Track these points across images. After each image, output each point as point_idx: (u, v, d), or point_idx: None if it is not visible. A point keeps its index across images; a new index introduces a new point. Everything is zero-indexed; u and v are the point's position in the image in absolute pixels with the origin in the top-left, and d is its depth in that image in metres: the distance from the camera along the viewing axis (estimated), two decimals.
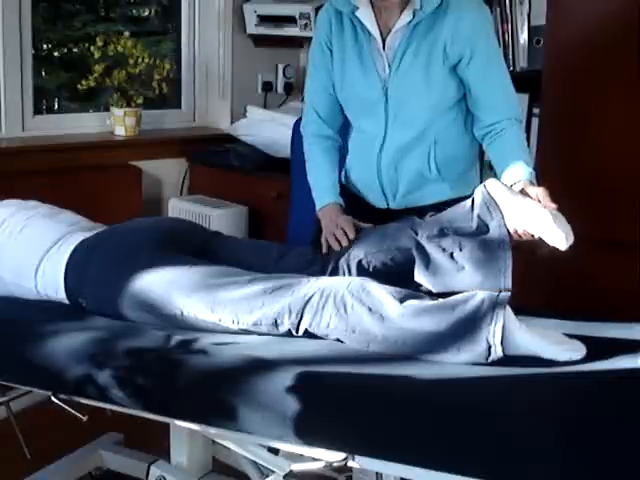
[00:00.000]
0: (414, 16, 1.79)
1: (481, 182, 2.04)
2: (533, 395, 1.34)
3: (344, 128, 2.05)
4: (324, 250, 1.83)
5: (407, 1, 1.81)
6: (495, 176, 1.79)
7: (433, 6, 1.78)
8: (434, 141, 1.89)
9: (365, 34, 1.86)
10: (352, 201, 2.05)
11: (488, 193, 1.64)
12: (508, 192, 1.63)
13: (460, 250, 1.61)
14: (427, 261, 1.63)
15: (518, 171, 1.76)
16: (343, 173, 2.09)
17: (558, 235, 1.55)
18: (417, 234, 1.67)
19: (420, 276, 1.62)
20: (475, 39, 1.80)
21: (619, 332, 1.61)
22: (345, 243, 1.81)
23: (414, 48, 1.82)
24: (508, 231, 1.60)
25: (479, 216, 1.63)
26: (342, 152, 2.08)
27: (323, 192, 1.99)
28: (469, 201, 1.66)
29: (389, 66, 1.85)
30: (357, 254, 1.72)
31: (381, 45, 1.85)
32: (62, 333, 1.57)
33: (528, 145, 2.74)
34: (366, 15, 1.85)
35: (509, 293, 1.52)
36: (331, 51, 1.93)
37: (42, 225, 1.84)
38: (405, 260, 1.67)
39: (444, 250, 1.63)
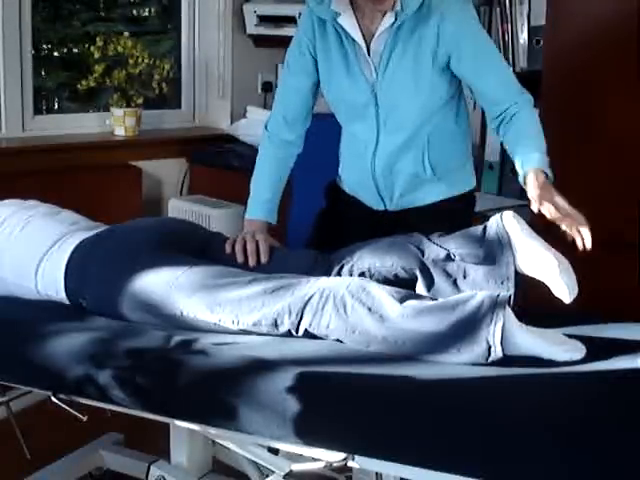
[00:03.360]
0: (396, 19, 1.77)
1: (477, 178, 2.06)
2: (533, 395, 1.34)
3: (332, 131, 2.04)
4: (239, 259, 1.79)
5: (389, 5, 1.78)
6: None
7: (414, 7, 1.75)
8: (427, 142, 1.88)
9: (349, 40, 1.84)
10: (346, 201, 2.05)
11: (503, 227, 1.62)
12: (523, 231, 1.61)
13: (464, 278, 1.62)
14: (430, 284, 1.63)
15: (528, 159, 1.69)
16: (338, 175, 2.09)
17: (562, 289, 1.55)
18: (423, 254, 1.67)
19: None
20: (460, 36, 1.77)
21: (619, 332, 1.61)
22: (252, 262, 1.78)
23: (399, 51, 1.80)
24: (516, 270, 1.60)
25: (489, 247, 1.62)
26: (334, 153, 2.07)
27: (257, 205, 1.98)
28: (480, 228, 1.65)
29: (376, 70, 1.83)
30: (360, 266, 1.71)
31: (366, 50, 1.83)
32: (62, 333, 1.57)
33: None
34: (348, 21, 1.82)
35: (509, 293, 1.52)
36: (313, 56, 1.91)
37: (42, 225, 1.84)
38: (408, 279, 1.66)
39: (448, 275, 1.63)
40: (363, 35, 1.83)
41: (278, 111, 2.01)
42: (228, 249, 1.82)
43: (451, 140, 1.91)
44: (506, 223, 1.62)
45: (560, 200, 1.59)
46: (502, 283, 1.59)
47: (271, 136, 2.01)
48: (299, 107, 1.98)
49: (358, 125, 1.93)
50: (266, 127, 2.02)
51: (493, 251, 1.61)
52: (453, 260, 1.64)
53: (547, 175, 1.65)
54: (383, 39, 1.81)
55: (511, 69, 1.86)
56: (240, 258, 1.80)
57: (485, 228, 1.64)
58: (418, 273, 1.64)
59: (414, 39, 1.79)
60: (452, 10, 1.77)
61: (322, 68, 1.91)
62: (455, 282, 1.62)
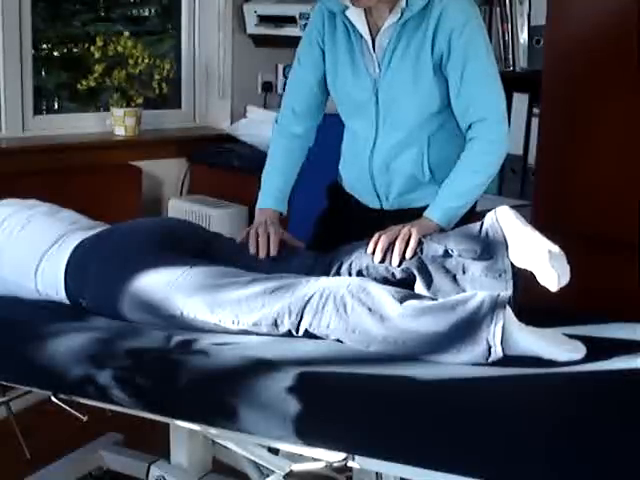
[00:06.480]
0: (402, 15, 1.78)
1: None
2: (533, 395, 1.35)
3: (332, 131, 2.04)
4: (251, 250, 1.81)
5: (395, 1, 1.78)
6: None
7: (421, 4, 1.76)
8: (427, 144, 1.88)
9: (356, 35, 1.85)
10: (346, 201, 2.05)
11: (497, 220, 1.62)
12: (517, 222, 1.60)
13: (463, 273, 1.61)
14: (429, 281, 1.63)
15: (434, 204, 1.80)
16: (338, 174, 2.09)
17: (550, 275, 1.52)
18: (422, 252, 1.67)
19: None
20: (454, 35, 1.76)
21: (619, 332, 1.61)
22: (262, 254, 1.79)
23: (403, 47, 1.80)
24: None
25: (485, 242, 1.62)
26: (334, 152, 2.07)
27: (269, 194, 1.98)
28: (477, 225, 1.65)
29: (379, 66, 1.84)
30: (359, 264, 1.71)
31: (371, 45, 1.84)
32: (62, 333, 1.57)
33: (528, 144, 2.78)
34: (356, 15, 1.83)
35: (509, 293, 1.52)
36: (322, 49, 1.92)
37: (42, 224, 1.84)
38: (406, 277, 1.67)
39: (447, 272, 1.63)
40: (370, 30, 1.84)
41: (288, 104, 2.02)
42: (240, 238, 1.84)
43: (451, 144, 1.90)
44: (500, 217, 1.63)
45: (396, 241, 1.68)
46: (500, 276, 1.59)
47: (281, 129, 2.02)
48: (308, 100, 1.99)
49: (358, 121, 1.93)
50: (276, 121, 2.04)
51: (489, 245, 1.61)
52: (451, 256, 1.64)
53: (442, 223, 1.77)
54: (388, 35, 1.81)
55: (502, 88, 1.82)
56: (252, 249, 1.81)
57: (482, 224, 1.65)
58: (415, 271, 1.64)
59: (418, 36, 1.79)
60: (452, 8, 1.77)
61: (329, 62, 1.92)
62: (454, 278, 1.62)
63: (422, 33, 1.78)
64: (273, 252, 1.80)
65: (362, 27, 1.83)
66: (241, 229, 1.92)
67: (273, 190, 1.98)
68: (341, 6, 1.83)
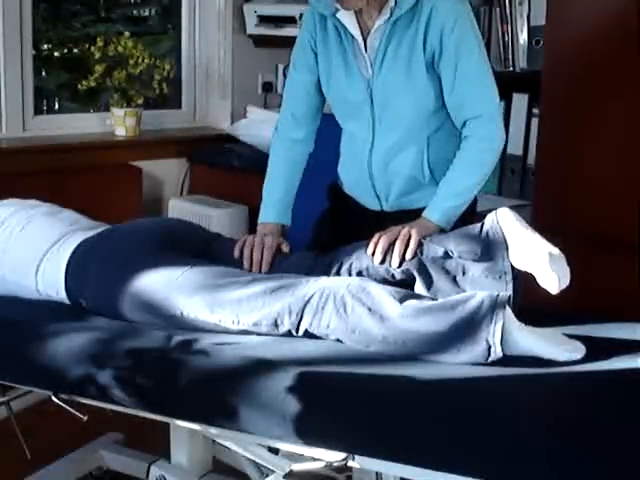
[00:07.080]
0: (392, 14, 1.77)
1: None
2: (533, 395, 1.35)
3: (332, 131, 2.04)
4: (245, 266, 1.79)
5: (384, 1, 1.78)
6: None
7: (410, 2, 1.75)
8: (426, 144, 1.88)
9: (347, 36, 1.85)
10: (346, 203, 2.04)
11: (498, 222, 1.62)
12: (518, 224, 1.60)
13: (463, 274, 1.62)
14: (429, 282, 1.63)
15: (433, 204, 1.80)
16: (337, 175, 2.09)
17: (550, 278, 1.52)
18: (422, 253, 1.67)
19: None
20: (445, 32, 1.75)
21: (619, 332, 1.61)
22: (255, 271, 1.77)
23: (394, 47, 1.80)
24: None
25: (485, 243, 1.62)
26: (333, 154, 2.07)
27: (269, 206, 1.96)
28: (478, 226, 1.65)
29: (372, 67, 1.84)
30: (358, 266, 1.71)
31: (363, 46, 1.84)
32: (62, 333, 1.57)
33: (527, 144, 2.78)
34: (347, 16, 1.82)
35: (509, 293, 1.52)
36: (315, 53, 1.92)
37: (43, 224, 1.84)
38: (406, 279, 1.67)
39: (447, 273, 1.63)
40: (361, 31, 1.84)
41: (286, 109, 2.02)
42: (237, 254, 1.82)
43: (452, 143, 1.88)
44: (500, 218, 1.63)
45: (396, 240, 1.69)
46: (500, 277, 1.59)
47: (281, 136, 2.02)
48: (306, 104, 1.98)
49: (355, 123, 1.93)
50: (276, 129, 2.03)
51: (490, 247, 1.61)
52: (451, 257, 1.64)
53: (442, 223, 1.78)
54: (379, 35, 1.81)
55: (495, 85, 1.82)
56: (246, 265, 1.79)
57: (482, 225, 1.65)
58: (415, 272, 1.64)
59: (409, 35, 1.79)
60: (443, 4, 1.76)
61: (322, 65, 1.92)
62: (454, 279, 1.62)
63: (413, 32, 1.78)
64: (264, 269, 1.78)
65: (353, 28, 1.83)
66: (240, 232, 1.91)
67: (274, 202, 1.97)
68: (332, 9, 1.83)
